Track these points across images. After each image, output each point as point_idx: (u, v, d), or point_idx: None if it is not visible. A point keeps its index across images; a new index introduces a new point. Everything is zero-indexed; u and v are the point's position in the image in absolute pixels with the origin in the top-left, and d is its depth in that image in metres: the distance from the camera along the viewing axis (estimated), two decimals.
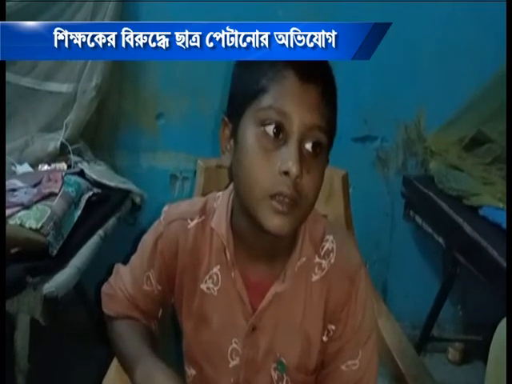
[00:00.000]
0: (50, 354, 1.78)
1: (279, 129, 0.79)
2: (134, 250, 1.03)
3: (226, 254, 0.93)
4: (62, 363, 1.89)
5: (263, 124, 0.80)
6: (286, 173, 0.78)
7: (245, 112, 0.82)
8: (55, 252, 1.42)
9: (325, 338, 0.95)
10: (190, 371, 1.02)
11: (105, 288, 1.05)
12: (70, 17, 1.93)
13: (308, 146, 0.81)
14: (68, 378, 1.85)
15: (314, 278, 0.93)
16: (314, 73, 0.80)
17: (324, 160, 0.84)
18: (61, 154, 1.93)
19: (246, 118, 0.83)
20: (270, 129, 0.80)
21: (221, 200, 0.96)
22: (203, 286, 0.96)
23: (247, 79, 0.83)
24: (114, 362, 1.01)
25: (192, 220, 0.96)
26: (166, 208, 1.01)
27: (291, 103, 0.79)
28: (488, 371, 1.10)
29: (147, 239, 1.00)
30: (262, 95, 0.80)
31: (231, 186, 0.94)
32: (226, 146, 0.88)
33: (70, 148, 1.92)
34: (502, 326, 1.08)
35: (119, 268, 1.05)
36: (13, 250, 1.34)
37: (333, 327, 0.94)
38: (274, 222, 0.80)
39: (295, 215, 0.81)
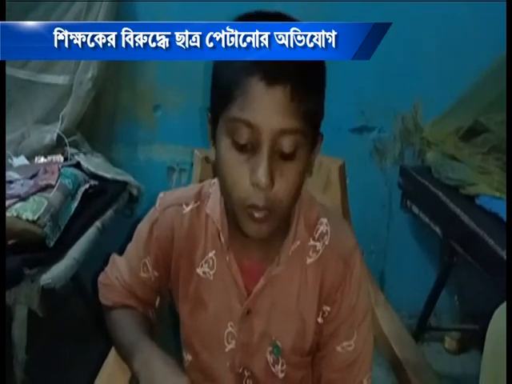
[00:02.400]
0: (48, 345, 1.78)
1: (247, 140, 0.77)
2: (129, 240, 1.04)
3: (220, 238, 0.93)
4: (60, 354, 1.90)
5: (232, 135, 0.78)
6: (257, 184, 0.77)
7: (219, 118, 0.81)
8: (52, 243, 1.42)
9: (320, 320, 0.96)
10: (187, 357, 1.03)
11: (101, 278, 1.06)
12: (62, 12, 1.92)
13: (280, 151, 0.78)
14: (66, 369, 1.86)
15: (309, 260, 0.94)
16: (279, 72, 0.76)
17: (302, 158, 0.81)
18: (57, 146, 1.92)
19: (219, 124, 0.81)
20: (239, 140, 0.78)
21: (215, 185, 0.96)
22: (199, 271, 0.96)
23: (220, 83, 0.81)
24: (112, 352, 1.02)
25: (187, 205, 0.97)
26: (161, 195, 1.01)
27: (257, 112, 0.76)
28: (484, 360, 1.10)
29: (142, 226, 1.01)
30: (230, 105, 0.78)
31: None
32: (211, 141, 0.88)
33: (66, 140, 1.92)
34: (498, 314, 1.08)
35: (115, 257, 1.06)
36: (10, 242, 1.34)
37: (328, 309, 0.95)
38: (252, 228, 0.82)
39: (272, 219, 0.82)
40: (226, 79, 0.79)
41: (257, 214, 0.80)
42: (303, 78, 0.78)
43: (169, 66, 2.10)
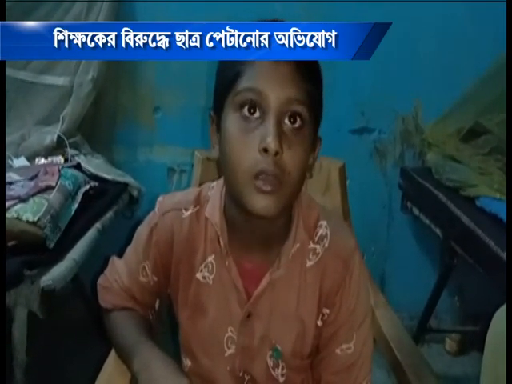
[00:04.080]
0: (48, 346, 1.78)
1: (255, 107, 0.80)
2: (129, 243, 1.03)
3: (219, 242, 0.93)
4: (60, 356, 1.90)
5: (241, 107, 0.80)
6: (266, 150, 0.78)
7: (225, 101, 0.83)
8: (52, 245, 1.42)
9: (319, 323, 0.96)
10: (186, 362, 1.03)
11: (100, 280, 1.05)
12: (63, 12, 1.93)
13: (287, 119, 0.81)
14: (66, 371, 1.85)
15: (309, 263, 0.94)
16: None
17: (308, 135, 0.84)
18: (57, 147, 1.92)
19: (226, 106, 0.83)
20: (249, 111, 0.80)
21: (214, 189, 0.97)
22: (199, 275, 0.96)
23: (226, 70, 0.83)
24: (112, 354, 1.01)
25: (186, 210, 0.96)
26: (160, 199, 1.01)
27: (264, 80, 0.79)
28: (484, 361, 1.10)
29: (142, 230, 1.00)
30: (237, 80, 0.81)
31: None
32: (214, 140, 0.89)
33: (66, 141, 1.92)
34: (498, 316, 1.08)
35: (114, 260, 1.06)
36: (10, 243, 1.34)
37: (327, 311, 0.95)
38: (260, 202, 0.80)
39: (280, 194, 0.81)
40: (234, 60, 0.81)
41: (264, 186, 0.79)
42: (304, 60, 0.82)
43: (169, 68, 2.10)
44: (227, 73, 0.82)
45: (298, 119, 0.81)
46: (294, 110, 0.80)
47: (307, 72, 0.82)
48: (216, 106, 0.87)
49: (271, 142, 0.77)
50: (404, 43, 2.08)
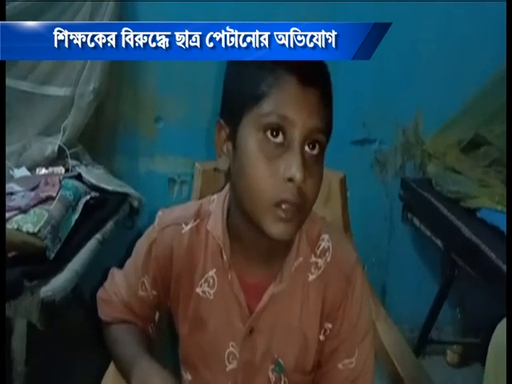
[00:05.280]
0: (48, 357, 1.77)
1: (282, 134, 0.79)
2: (129, 254, 1.03)
3: (222, 256, 0.92)
4: (60, 367, 1.89)
5: (265, 130, 0.79)
6: (291, 179, 0.78)
7: (243, 116, 0.82)
8: (53, 256, 1.42)
9: (322, 337, 0.95)
10: (186, 376, 1.02)
11: (100, 293, 1.05)
12: (69, 18, 1.93)
13: (309, 149, 0.81)
14: (65, 382, 1.85)
15: (311, 277, 0.93)
16: (313, 76, 0.80)
17: (322, 162, 0.84)
18: (58, 157, 1.93)
19: (245, 122, 0.82)
20: (273, 134, 0.79)
21: (216, 202, 0.96)
22: (198, 290, 0.95)
23: (244, 82, 0.82)
24: (112, 366, 1.01)
25: (186, 225, 0.96)
26: (159, 213, 1.00)
27: (293, 108, 0.79)
28: (486, 373, 1.10)
29: (141, 245, 0.99)
30: (262, 100, 0.79)
31: (226, 188, 0.94)
32: (221, 149, 0.87)
33: (67, 152, 1.92)
34: (500, 327, 1.08)
35: (114, 273, 1.05)
36: (10, 254, 1.34)
37: (329, 326, 0.94)
38: (279, 229, 0.80)
39: (298, 220, 0.82)
40: (254, 77, 0.80)
41: (284, 214, 0.79)
42: (329, 85, 0.84)
43: (170, 78, 2.10)
44: (248, 89, 0.81)
45: (317, 146, 0.82)
46: (315, 139, 0.81)
47: (329, 99, 0.84)
48: (228, 116, 0.86)
49: (297, 172, 0.77)
50: (405, 54, 2.09)
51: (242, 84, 0.83)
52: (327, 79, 0.84)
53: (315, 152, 0.81)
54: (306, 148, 0.80)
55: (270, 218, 0.80)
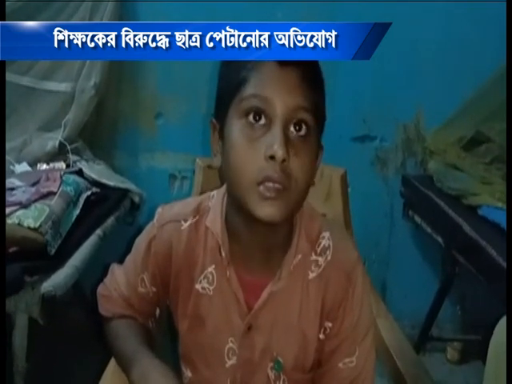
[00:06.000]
0: (48, 353, 1.77)
1: (261, 115, 0.79)
2: (130, 250, 1.03)
3: (221, 252, 0.92)
4: (60, 363, 1.89)
5: (246, 114, 0.80)
6: (272, 157, 0.77)
7: (229, 108, 0.82)
8: (53, 251, 1.42)
9: (321, 336, 0.95)
10: (187, 373, 1.02)
11: (100, 289, 1.05)
12: (67, 17, 1.93)
13: (292, 127, 0.80)
14: (66, 378, 1.85)
15: (311, 275, 0.93)
16: None
17: (313, 143, 0.83)
18: (59, 153, 1.93)
19: (230, 113, 0.82)
20: (256, 119, 0.79)
21: (215, 199, 0.96)
22: (198, 286, 0.95)
23: (230, 76, 0.83)
24: (112, 362, 1.01)
25: (185, 221, 0.95)
26: (159, 209, 0.99)
27: (271, 88, 0.79)
28: (487, 371, 1.10)
29: (140, 242, 0.99)
30: (243, 86, 0.80)
31: (225, 185, 0.94)
32: (216, 148, 0.88)
33: (68, 147, 1.92)
34: (501, 325, 1.08)
35: (114, 268, 1.05)
36: (11, 249, 1.34)
37: (330, 325, 0.94)
38: (264, 209, 0.79)
39: (286, 201, 0.80)
40: (238, 65, 0.81)
41: (268, 193, 0.78)
42: (312, 66, 0.83)
43: (171, 74, 2.10)
44: (231, 78, 0.82)
45: (304, 127, 0.81)
46: (300, 118, 0.80)
47: (313, 81, 0.82)
48: (219, 113, 0.86)
49: (278, 149, 0.76)
50: (405, 52, 2.09)
51: (227, 78, 0.84)
52: (309, 60, 0.82)
53: (302, 133, 0.80)
54: (292, 129, 0.80)
55: (255, 198, 0.79)
